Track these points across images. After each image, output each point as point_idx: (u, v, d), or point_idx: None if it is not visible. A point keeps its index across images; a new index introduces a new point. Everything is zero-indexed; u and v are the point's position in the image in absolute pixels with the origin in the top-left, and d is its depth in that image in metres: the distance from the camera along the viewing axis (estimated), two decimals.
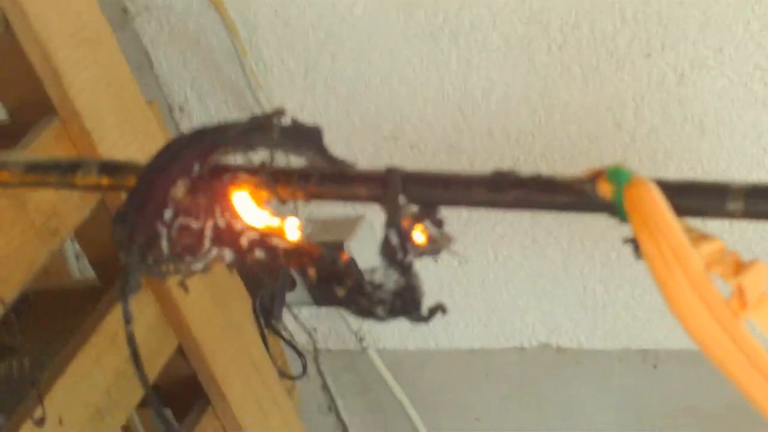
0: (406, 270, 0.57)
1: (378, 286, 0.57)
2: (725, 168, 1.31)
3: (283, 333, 1.49)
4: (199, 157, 0.59)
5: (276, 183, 0.58)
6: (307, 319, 1.64)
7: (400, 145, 1.44)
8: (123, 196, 0.61)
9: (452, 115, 1.40)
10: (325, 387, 1.68)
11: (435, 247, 0.58)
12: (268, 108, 1.41)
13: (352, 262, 0.59)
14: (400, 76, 1.39)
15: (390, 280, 0.57)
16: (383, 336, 1.61)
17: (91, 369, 1.12)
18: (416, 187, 0.57)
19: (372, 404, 1.70)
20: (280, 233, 0.60)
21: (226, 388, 1.27)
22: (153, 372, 1.20)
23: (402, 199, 0.56)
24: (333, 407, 1.71)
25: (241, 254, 0.60)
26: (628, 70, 1.28)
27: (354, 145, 1.45)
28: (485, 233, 1.46)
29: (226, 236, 0.60)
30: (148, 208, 0.58)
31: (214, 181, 0.59)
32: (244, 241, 0.60)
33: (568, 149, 1.37)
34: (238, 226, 0.59)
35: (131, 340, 0.58)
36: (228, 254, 0.60)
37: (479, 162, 1.42)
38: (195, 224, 0.59)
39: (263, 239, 0.59)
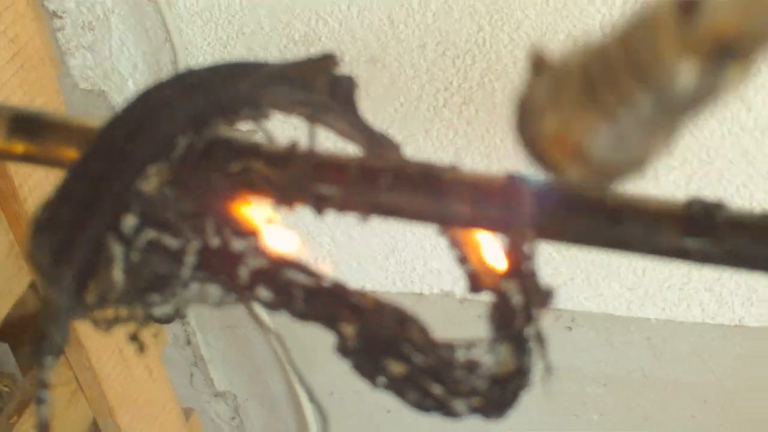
0: (522, 346, 0.35)
1: (473, 369, 0.35)
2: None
3: None
4: (185, 127, 0.34)
5: (318, 180, 0.34)
6: None
7: (313, 51, 1.18)
8: (51, 181, 0.35)
9: (379, 23, 1.16)
10: (183, 318, 1.44)
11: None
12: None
13: (424, 327, 0.36)
14: None
15: (493, 359, 0.35)
16: None
17: None
18: (555, 209, 0.34)
19: (237, 341, 1.47)
20: (304, 266, 0.36)
21: (83, 333, 1.02)
22: (2, 310, 0.94)
23: (531, 233, 0.34)
24: (191, 341, 1.47)
25: (238, 291, 0.36)
26: None
27: (255, 45, 1.19)
28: None
29: (220, 263, 0.35)
30: (97, 208, 0.33)
31: (208, 171, 0.34)
32: (243, 272, 0.35)
33: (513, 78, 1.16)
34: (239, 247, 0.35)
35: (44, 428, 0.34)
36: (216, 292, 0.36)
37: (403, 82, 1.19)
38: (171, 241, 0.35)
39: (276, 271, 0.35)
